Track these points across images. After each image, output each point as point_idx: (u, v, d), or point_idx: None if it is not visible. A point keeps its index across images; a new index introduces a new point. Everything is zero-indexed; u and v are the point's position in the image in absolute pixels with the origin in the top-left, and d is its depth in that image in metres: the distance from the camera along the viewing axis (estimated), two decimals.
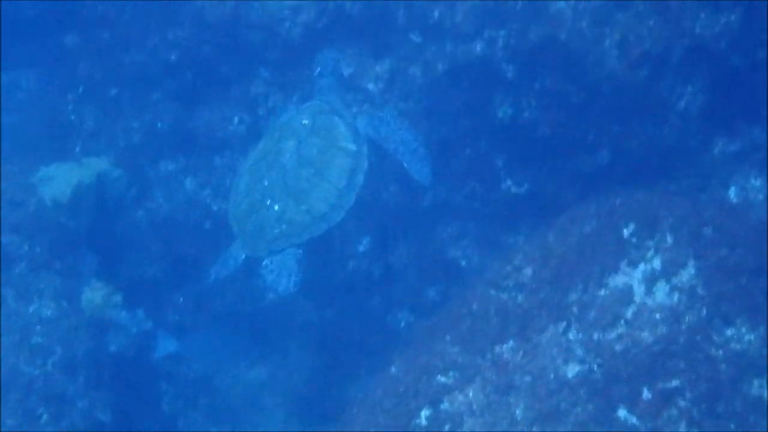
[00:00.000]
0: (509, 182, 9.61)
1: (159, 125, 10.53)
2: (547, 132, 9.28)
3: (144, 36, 10.32)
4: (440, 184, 9.71)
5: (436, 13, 9.33)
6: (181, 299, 10.78)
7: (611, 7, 8.84)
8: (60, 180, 10.27)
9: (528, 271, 8.04)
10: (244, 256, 8.54)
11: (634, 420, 6.99)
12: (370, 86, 9.68)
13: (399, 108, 9.61)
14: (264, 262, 8.37)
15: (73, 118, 10.94)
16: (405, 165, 8.67)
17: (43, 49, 11.48)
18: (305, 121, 8.50)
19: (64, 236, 10.44)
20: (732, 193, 9.22)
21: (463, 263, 10.00)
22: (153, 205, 10.68)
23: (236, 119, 10.27)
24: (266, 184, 8.32)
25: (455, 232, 9.96)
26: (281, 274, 8.28)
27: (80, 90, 10.88)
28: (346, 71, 9.66)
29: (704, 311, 7.20)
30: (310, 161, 8.26)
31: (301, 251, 8.30)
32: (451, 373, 7.79)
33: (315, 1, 9.68)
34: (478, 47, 9.22)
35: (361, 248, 10.10)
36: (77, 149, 10.88)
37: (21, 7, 11.52)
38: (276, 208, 8.22)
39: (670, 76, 8.97)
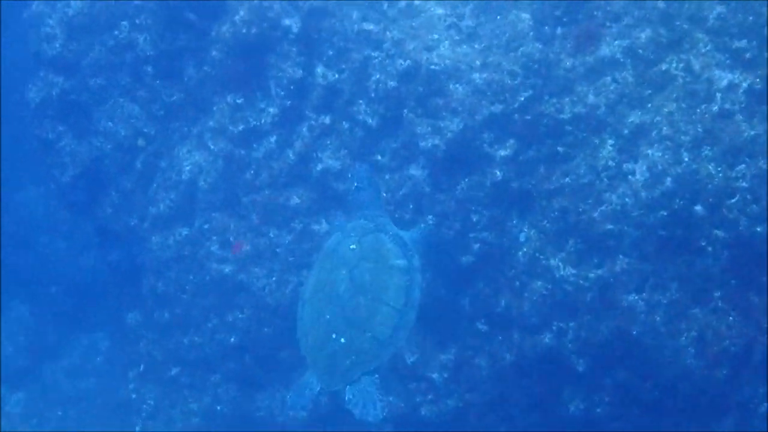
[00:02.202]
0: None
1: (218, 408, 10.34)
2: (621, 430, 8.90)
3: (203, 317, 10.19)
4: None
5: (502, 302, 9.06)
6: None
7: (687, 301, 8.49)
8: None
9: None
10: (319, 387, 8.35)
11: None
12: (434, 376, 9.37)
13: (464, 399, 9.24)
14: (347, 398, 8.16)
15: (134, 396, 10.84)
16: None
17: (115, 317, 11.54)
18: (353, 246, 8.44)
19: None
20: None
21: None
22: None
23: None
24: (328, 318, 8.21)
25: None
26: (366, 404, 8.12)
27: (141, 368, 10.76)
28: (410, 359, 9.38)
29: None
30: (364, 288, 8.21)
31: (377, 376, 8.15)
32: None
33: None
34: (547, 338, 8.91)
35: None
36: (137, 429, 10.73)
37: (87, 274, 11.63)
38: (342, 340, 8.14)
39: (750, 375, 8.51)
